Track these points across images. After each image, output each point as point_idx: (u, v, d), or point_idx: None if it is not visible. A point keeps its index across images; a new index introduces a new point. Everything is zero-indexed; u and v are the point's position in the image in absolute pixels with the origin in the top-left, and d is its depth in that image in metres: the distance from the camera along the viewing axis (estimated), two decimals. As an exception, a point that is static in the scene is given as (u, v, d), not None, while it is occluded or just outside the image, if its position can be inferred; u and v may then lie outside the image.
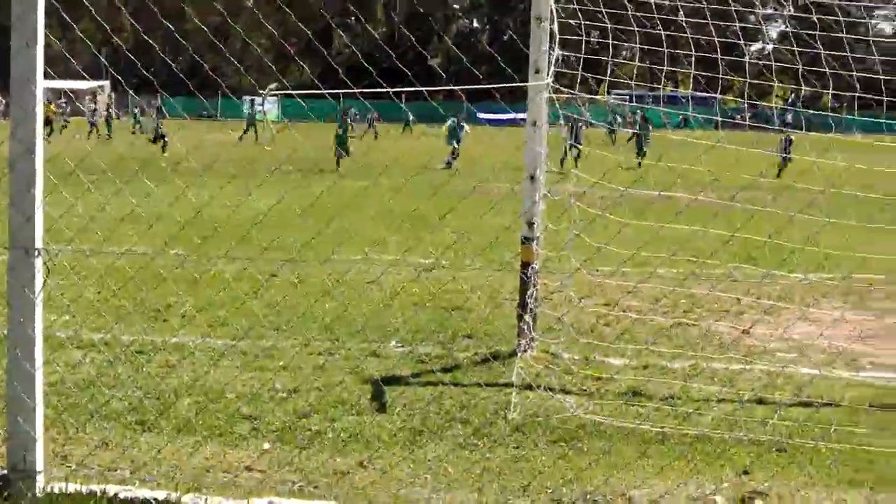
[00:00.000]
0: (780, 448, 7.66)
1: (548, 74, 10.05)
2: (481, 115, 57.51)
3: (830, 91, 9.18)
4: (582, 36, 10.07)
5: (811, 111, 12.27)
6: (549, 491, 6.69)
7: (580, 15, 10.21)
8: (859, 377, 9.82)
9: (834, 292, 14.05)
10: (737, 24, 10.43)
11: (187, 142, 40.00)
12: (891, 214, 14.23)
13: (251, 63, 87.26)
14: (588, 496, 6.59)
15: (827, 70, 9.26)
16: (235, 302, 11.86)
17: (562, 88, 10.22)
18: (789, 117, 32.79)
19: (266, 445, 7.50)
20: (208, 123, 63.10)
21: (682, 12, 9.87)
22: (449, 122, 38.49)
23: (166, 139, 42.78)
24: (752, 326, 11.64)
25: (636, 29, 10.12)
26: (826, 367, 9.97)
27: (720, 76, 9.93)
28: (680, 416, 8.43)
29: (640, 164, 34.70)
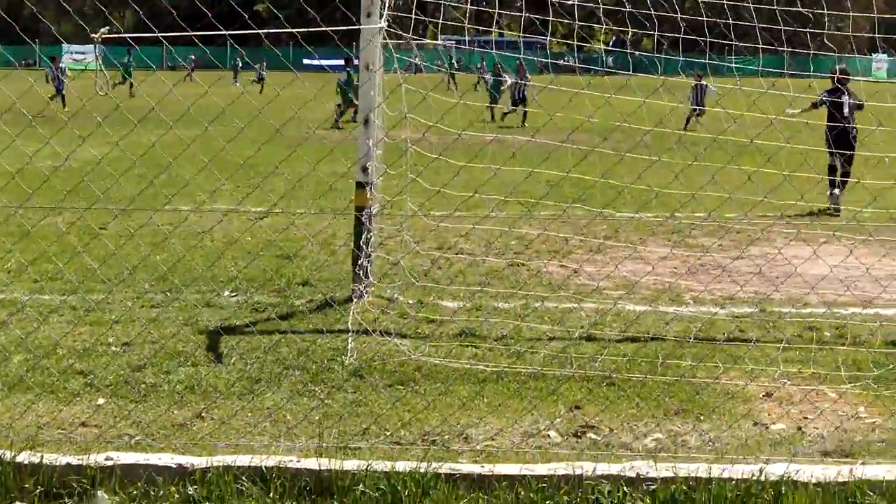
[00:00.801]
0: (610, 382, 7.92)
1: (380, 18, 10.04)
2: (306, 62, 56.91)
3: (656, 34, 9.40)
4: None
5: (638, 53, 12.57)
6: (388, 434, 6.79)
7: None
8: (683, 311, 10.20)
9: (659, 231, 14.51)
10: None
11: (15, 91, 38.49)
12: (714, 154, 14.71)
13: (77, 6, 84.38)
14: (426, 437, 6.72)
15: (653, 13, 9.48)
16: (66, 255, 11.60)
17: (402, 33, 10.23)
18: (610, 60, 33.22)
19: (101, 401, 7.40)
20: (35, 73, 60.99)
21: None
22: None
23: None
24: (578, 266, 11.96)
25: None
26: (652, 303, 10.32)
27: (550, 19, 10.09)
28: (513, 354, 8.63)
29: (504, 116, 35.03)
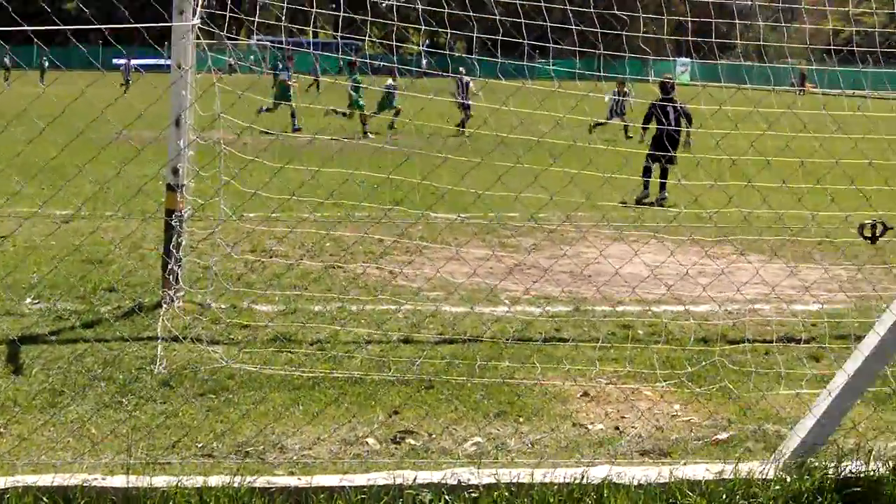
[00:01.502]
0: (429, 386, 7.82)
1: (193, 15, 9.69)
2: (116, 61, 55.27)
3: (475, 36, 9.34)
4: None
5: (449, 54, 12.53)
6: (200, 446, 6.51)
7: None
8: (500, 312, 10.19)
9: (480, 232, 14.53)
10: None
11: None
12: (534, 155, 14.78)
13: None
14: (240, 449, 6.47)
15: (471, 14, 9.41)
16: None
17: (216, 31, 9.91)
18: (424, 61, 33.16)
19: None
20: None
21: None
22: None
23: None
24: (398, 269, 11.86)
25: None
26: (470, 304, 10.28)
27: (368, 19, 9.92)
28: (330, 360, 8.44)
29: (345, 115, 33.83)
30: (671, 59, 14.26)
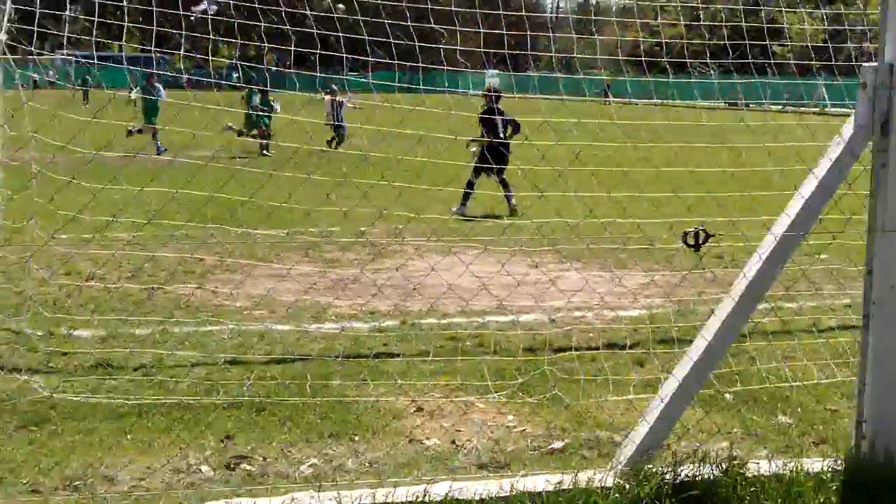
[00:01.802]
0: (260, 408, 7.67)
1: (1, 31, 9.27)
2: None
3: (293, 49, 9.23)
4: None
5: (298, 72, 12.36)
6: (25, 482, 6.22)
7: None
8: (324, 328, 10.10)
9: (304, 248, 14.39)
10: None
11: None
12: (395, 173, 14.72)
13: None
14: (69, 483, 6.22)
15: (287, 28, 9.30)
16: None
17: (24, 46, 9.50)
18: (235, 75, 32.47)
19: None
20: None
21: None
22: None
23: None
24: (214, 286, 11.65)
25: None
26: (294, 322, 10.16)
27: (181, 32, 9.70)
28: (156, 385, 8.20)
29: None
30: (482, 71, 14.43)
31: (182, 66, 11.34)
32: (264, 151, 29.90)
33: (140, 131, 30.02)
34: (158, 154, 28.30)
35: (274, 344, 9.52)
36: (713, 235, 6.38)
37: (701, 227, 6.40)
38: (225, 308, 10.93)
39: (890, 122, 6.05)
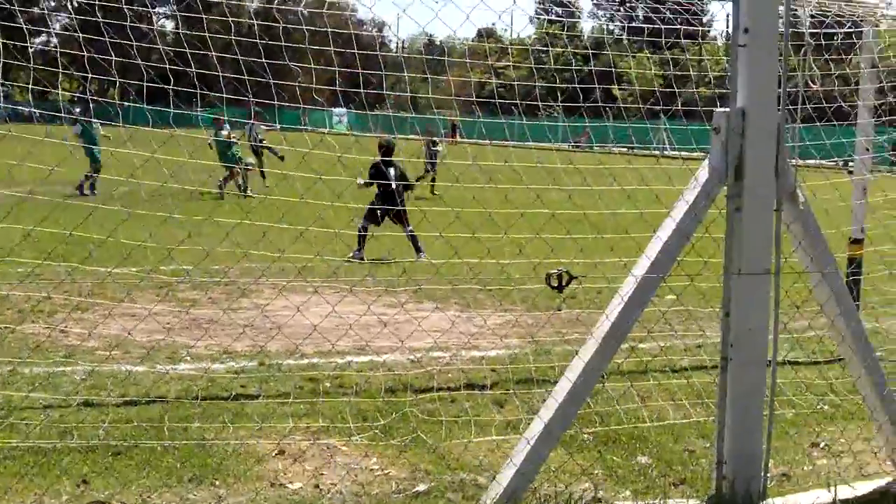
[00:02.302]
0: (117, 452, 7.46)
1: None
2: None
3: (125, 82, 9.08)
4: None
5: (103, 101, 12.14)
6: None
7: None
8: (180, 369, 9.90)
9: (151, 287, 14.10)
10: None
11: None
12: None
13: None
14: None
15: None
16: None
17: None
18: (77, 110, 31.58)
19: None
20: None
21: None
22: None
23: None
24: (66, 325, 11.37)
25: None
26: (148, 362, 9.93)
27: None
28: (7, 427, 7.91)
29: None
30: (326, 108, 14.43)
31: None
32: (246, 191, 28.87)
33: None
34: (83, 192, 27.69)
35: (127, 385, 9.28)
36: (576, 277, 6.48)
37: (564, 269, 6.49)
38: (77, 348, 10.62)
39: (743, 167, 6.24)
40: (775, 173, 6.27)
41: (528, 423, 7.86)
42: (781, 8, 6.25)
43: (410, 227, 18.44)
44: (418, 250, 18.29)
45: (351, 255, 17.75)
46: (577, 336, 11.37)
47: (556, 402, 6.16)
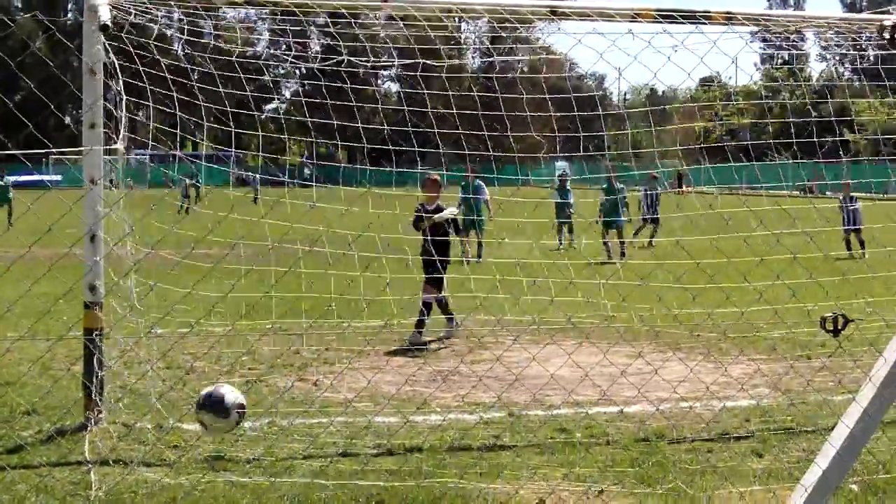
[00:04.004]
0: (379, 500, 7.59)
1: (117, 137, 9.47)
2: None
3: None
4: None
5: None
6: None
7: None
8: (433, 421, 10.01)
9: (393, 339, 14.37)
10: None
11: None
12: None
13: None
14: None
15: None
16: None
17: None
18: (306, 171, 32.93)
19: None
20: None
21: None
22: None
23: None
24: (317, 379, 11.69)
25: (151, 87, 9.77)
26: (402, 414, 10.08)
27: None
28: (270, 476, 8.16)
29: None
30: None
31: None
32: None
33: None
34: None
35: (381, 436, 9.44)
36: (852, 321, 6.27)
37: (840, 313, 6.28)
38: (329, 400, 10.90)
39: None
40: None
41: (790, 473, 7.66)
42: None
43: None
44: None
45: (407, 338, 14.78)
46: (828, 384, 11.03)
47: (834, 449, 5.96)
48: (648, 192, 30.46)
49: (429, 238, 13.96)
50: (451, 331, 14.86)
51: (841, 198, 27.47)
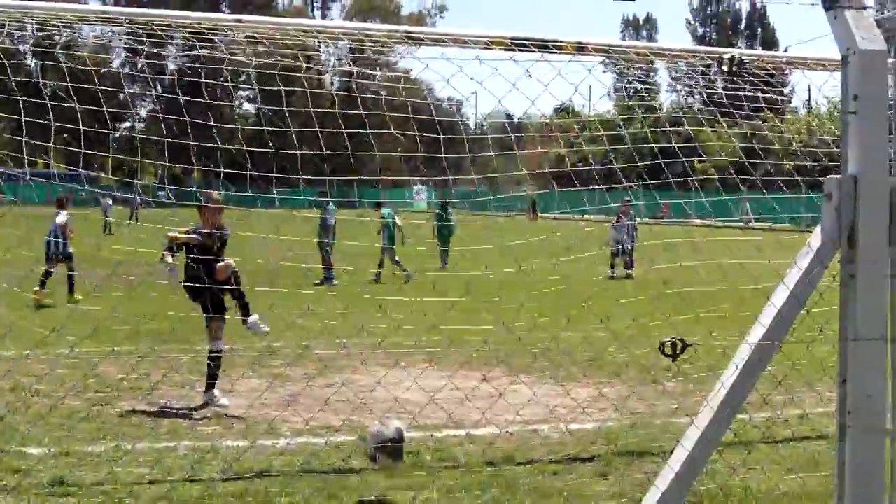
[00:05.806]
0: (226, 524, 7.54)
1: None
2: None
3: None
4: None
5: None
6: None
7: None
8: (281, 445, 9.95)
9: (242, 363, 14.24)
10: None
11: None
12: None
13: None
14: None
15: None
16: None
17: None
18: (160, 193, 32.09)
19: None
20: None
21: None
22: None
23: None
24: (166, 402, 11.55)
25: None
26: (251, 438, 10.00)
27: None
28: (113, 501, 8.02)
29: None
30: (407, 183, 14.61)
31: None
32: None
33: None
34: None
35: (229, 460, 9.35)
36: (691, 345, 6.49)
37: (679, 338, 6.50)
38: (176, 423, 10.75)
39: (856, 233, 6.22)
40: (888, 240, 6.24)
41: (633, 494, 7.86)
42: (891, 77, 6.27)
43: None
44: None
45: None
46: (670, 408, 11.34)
47: (673, 471, 6.12)
48: (619, 225, 30.12)
49: (195, 265, 11.95)
50: (256, 325, 12.36)
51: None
